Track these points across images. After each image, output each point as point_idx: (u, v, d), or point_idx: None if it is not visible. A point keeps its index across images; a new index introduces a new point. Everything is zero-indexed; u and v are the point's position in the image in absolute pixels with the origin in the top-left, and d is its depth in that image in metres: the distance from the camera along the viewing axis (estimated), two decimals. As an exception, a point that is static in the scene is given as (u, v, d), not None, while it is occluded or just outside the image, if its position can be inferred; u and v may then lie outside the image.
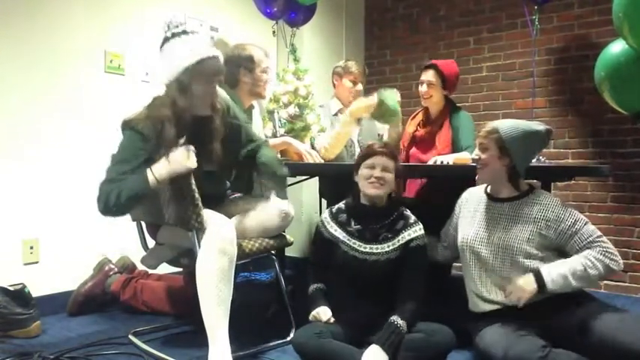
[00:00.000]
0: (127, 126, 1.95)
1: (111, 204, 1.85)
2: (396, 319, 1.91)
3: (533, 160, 2.19)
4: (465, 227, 2.11)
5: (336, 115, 3.00)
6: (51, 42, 2.65)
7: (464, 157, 2.61)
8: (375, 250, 2.04)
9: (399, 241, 2.04)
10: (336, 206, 2.20)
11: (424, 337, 1.88)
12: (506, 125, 1.99)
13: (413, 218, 2.10)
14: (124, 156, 1.92)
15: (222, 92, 2.21)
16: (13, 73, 2.53)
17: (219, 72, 2.05)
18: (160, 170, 1.90)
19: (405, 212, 2.12)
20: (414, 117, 2.98)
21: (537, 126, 2.02)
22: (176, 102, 1.96)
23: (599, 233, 1.93)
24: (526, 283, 1.89)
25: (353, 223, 2.10)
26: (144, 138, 1.92)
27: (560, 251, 1.96)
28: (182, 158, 1.92)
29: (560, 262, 1.90)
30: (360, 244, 2.06)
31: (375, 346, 1.85)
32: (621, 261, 1.90)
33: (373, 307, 2.01)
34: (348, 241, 2.08)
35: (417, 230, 2.07)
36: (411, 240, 2.04)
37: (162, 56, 2.01)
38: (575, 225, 1.92)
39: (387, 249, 2.03)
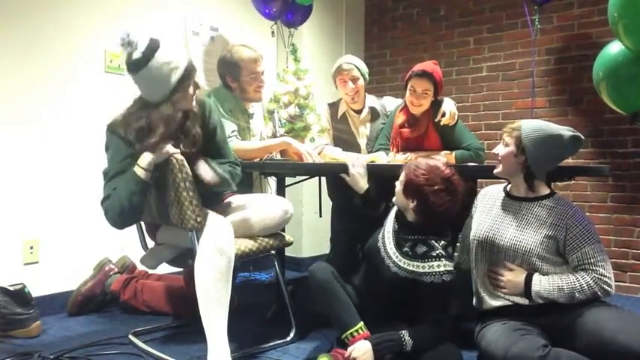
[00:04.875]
0: (112, 131, 1.99)
1: (117, 215, 1.93)
2: (405, 333, 1.87)
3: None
4: (479, 222, 2.10)
5: (343, 115, 3.00)
6: (51, 42, 2.65)
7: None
8: (392, 257, 2.01)
9: (415, 266, 1.95)
10: None
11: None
12: (530, 126, 1.98)
13: (438, 252, 1.94)
14: (115, 169, 1.97)
15: (202, 96, 2.20)
16: (12, 74, 2.52)
17: (193, 75, 2.01)
18: (143, 160, 1.94)
19: (432, 242, 1.97)
20: (402, 109, 2.80)
21: (564, 131, 1.97)
22: (161, 110, 1.95)
23: (603, 257, 1.90)
24: (514, 284, 1.93)
25: (397, 225, 2.10)
26: (130, 144, 1.96)
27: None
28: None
29: (554, 278, 1.90)
30: (389, 243, 2.05)
31: (366, 342, 1.85)
32: (613, 290, 1.90)
33: (378, 306, 2.03)
34: (387, 234, 2.08)
35: (434, 266, 1.92)
36: (426, 274, 1.92)
37: (141, 76, 1.92)
38: (582, 241, 1.90)
39: (400, 264, 1.98)
